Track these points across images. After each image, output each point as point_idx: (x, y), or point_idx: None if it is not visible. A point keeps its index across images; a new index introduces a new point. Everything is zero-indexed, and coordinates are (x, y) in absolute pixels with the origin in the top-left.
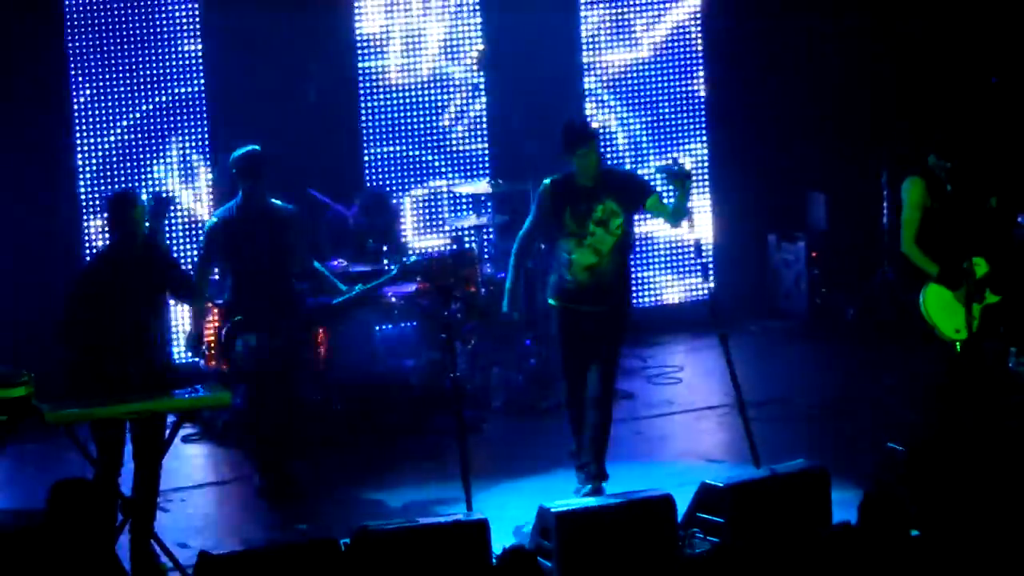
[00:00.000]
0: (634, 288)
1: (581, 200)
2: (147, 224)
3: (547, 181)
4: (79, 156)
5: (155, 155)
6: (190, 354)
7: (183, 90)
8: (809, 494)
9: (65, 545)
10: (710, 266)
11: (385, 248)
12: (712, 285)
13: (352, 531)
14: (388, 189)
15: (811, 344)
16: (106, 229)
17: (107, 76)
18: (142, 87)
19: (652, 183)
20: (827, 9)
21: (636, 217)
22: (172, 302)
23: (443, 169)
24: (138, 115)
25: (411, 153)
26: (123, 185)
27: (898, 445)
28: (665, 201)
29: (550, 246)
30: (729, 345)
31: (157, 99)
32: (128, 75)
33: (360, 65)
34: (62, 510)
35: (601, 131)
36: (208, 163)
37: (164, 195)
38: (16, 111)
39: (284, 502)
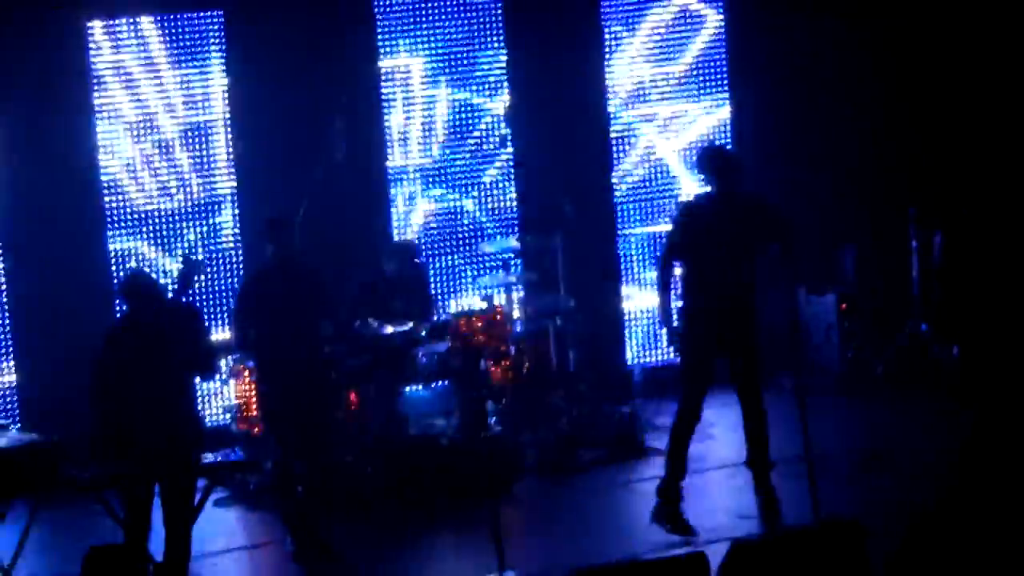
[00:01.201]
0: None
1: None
2: (175, 287)
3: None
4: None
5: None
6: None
7: (210, 151)
8: (843, 550)
9: None
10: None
11: (415, 307)
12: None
13: None
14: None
15: (844, 398)
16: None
17: None
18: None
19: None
20: (856, 64)
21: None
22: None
23: (473, 228)
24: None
25: (440, 209)
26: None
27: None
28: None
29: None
30: (764, 400)
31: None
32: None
33: (387, 126)
34: None
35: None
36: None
37: (194, 257)
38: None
39: (317, 566)
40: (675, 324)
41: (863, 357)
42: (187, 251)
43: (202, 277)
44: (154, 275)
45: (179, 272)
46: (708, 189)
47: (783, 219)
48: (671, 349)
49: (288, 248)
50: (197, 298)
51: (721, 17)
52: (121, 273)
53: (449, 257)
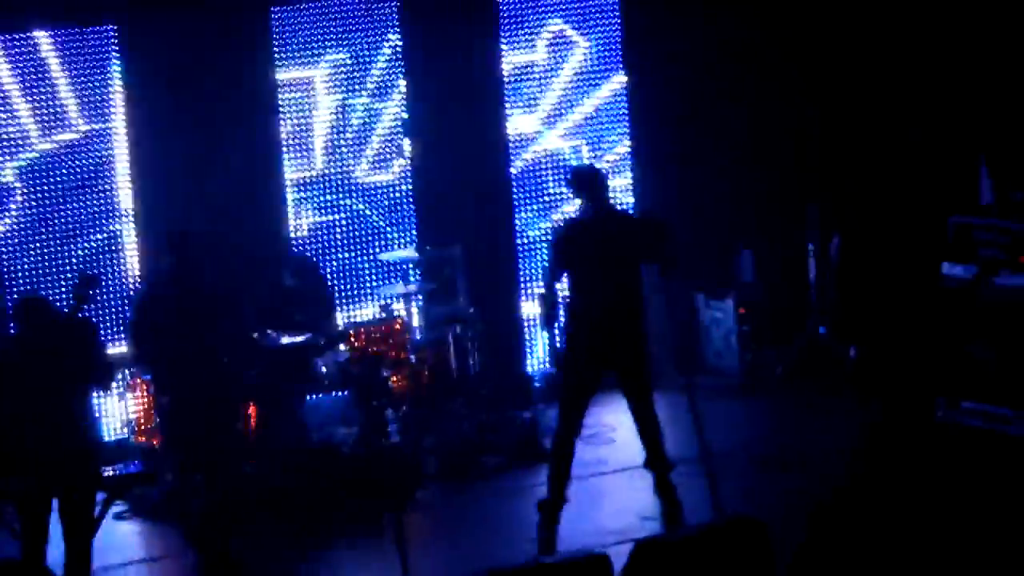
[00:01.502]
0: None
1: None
2: (72, 302)
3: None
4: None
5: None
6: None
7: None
8: (746, 547)
9: None
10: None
11: (315, 318)
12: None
13: None
14: (315, 257)
15: (744, 400)
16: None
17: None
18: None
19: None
20: (753, 63)
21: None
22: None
23: (369, 236)
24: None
25: (337, 220)
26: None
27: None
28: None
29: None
30: (662, 404)
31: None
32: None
33: (283, 138)
34: None
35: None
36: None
37: (90, 274)
38: None
39: None
40: (557, 344)
41: (763, 359)
42: (82, 267)
43: (98, 292)
44: (46, 297)
45: (75, 287)
46: (581, 208)
47: (662, 230)
48: (552, 367)
49: (187, 260)
50: (93, 312)
51: (618, 18)
52: (13, 294)
53: (348, 266)
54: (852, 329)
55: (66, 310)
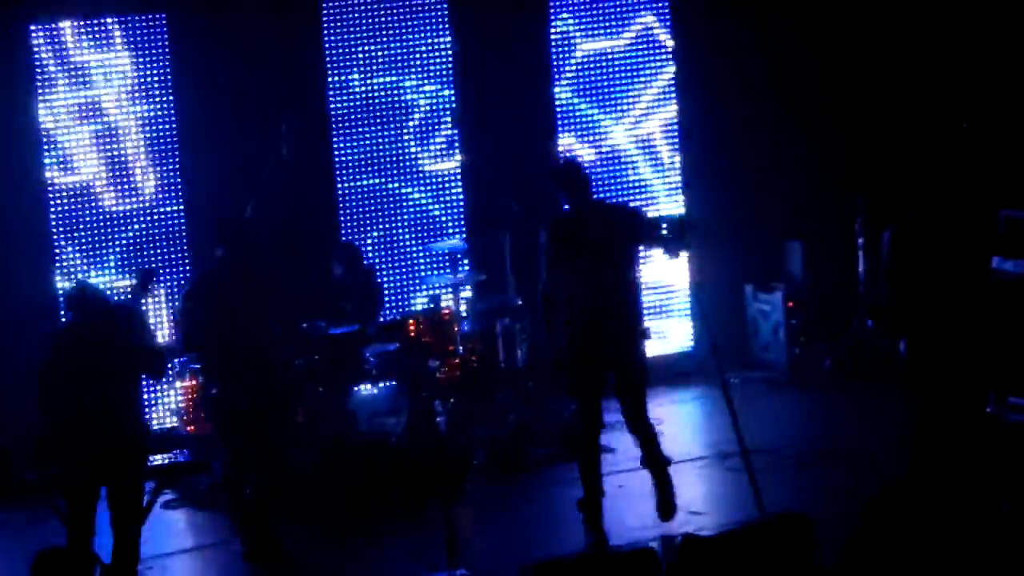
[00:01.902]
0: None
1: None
2: (131, 296)
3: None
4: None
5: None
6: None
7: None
8: (793, 543)
9: None
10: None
11: (364, 308)
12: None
13: None
14: (364, 248)
15: (791, 394)
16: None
17: None
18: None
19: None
20: (804, 56)
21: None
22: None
23: (420, 227)
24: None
25: (387, 208)
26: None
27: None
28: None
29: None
30: (711, 396)
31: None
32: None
33: (333, 125)
34: None
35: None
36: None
37: (148, 268)
38: None
39: (267, 567)
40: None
41: (811, 353)
42: (141, 262)
43: (156, 285)
44: (99, 285)
45: (135, 282)
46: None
47: (639, 219)
48: (555, 371)
49: (237, 248)
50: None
51: (668, 22)
52: (66, 279)
53: (398, 256)
54: (902, 323)
55: (119, 299)
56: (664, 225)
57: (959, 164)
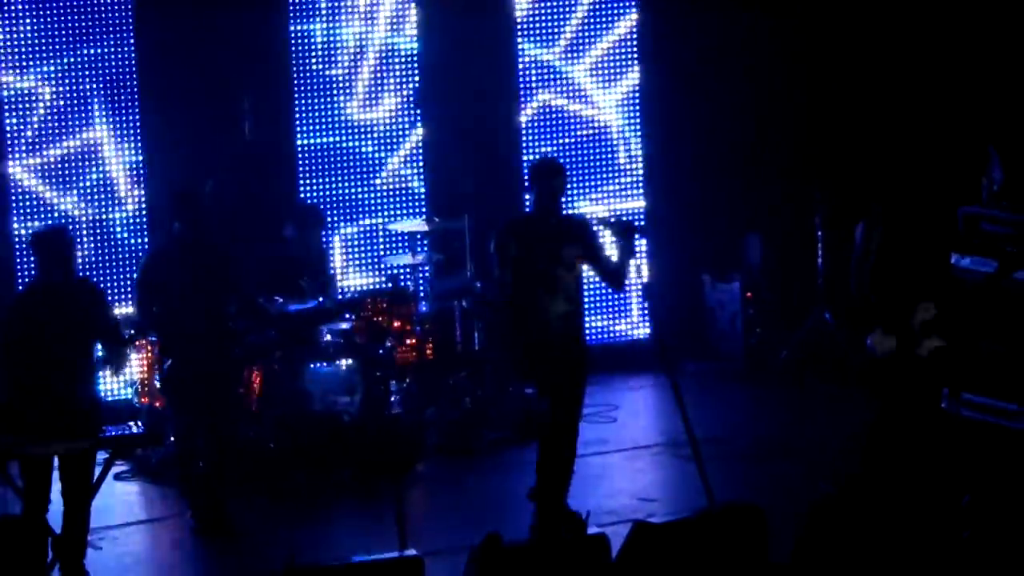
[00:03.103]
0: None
1: (546, 240)
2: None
3: (505, 222)
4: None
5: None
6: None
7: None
8: (745, 534)
9: None
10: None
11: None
12: (649, 330)
13: (284, 570)
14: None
15: (747, 385)
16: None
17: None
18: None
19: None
20: (763, 49)
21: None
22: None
23: (378, 206)
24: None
25: (347, 190)
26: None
27: (830, 487)
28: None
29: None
30: (666, 386)
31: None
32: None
33: (296, 102)
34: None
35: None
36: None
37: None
38: None
39: (217, 540)
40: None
41: (767, 344)
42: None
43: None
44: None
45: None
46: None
47: (592, 240)
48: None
49: (194, 223)
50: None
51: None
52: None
53: (355, 234)
54: (873, 317)
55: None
56: (611, 228)
57: (918, 160)
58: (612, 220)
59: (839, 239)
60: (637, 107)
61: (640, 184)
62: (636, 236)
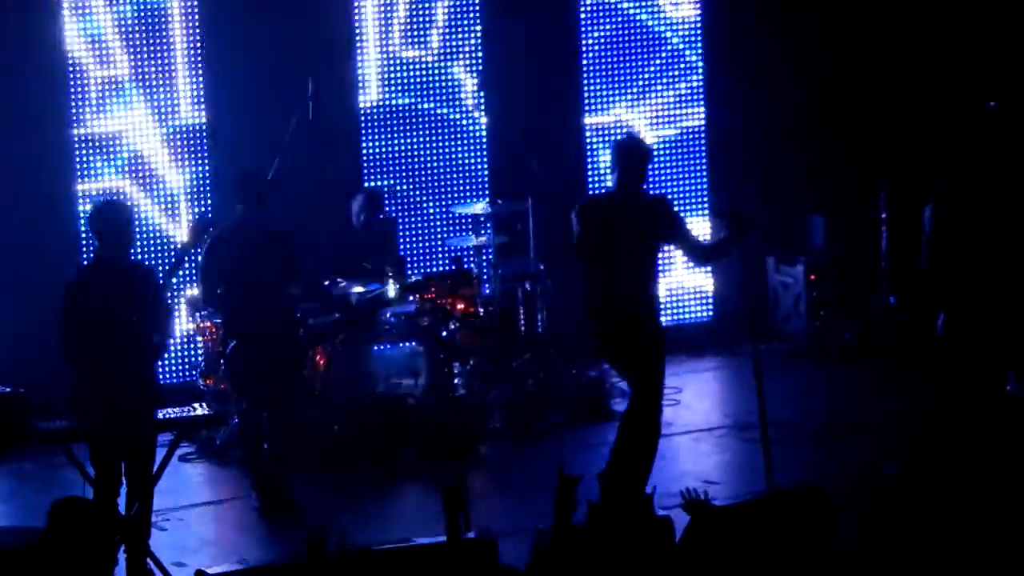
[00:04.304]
0: None
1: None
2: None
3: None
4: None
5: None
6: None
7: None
8: (808, 516)
9: (65, 565)
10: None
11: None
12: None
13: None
14: (390, 208)
15: (810, 367)
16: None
17: None
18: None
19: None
20: (826, 33)
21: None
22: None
23: (443, 188)
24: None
25: (412, 170)
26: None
27: (893, 469)
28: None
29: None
30: (729, 367)
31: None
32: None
33: (360, 84)
34: (62, 529)
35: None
36: (209, 183)
37: (204, 216)
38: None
39: (281, 522)
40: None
41: (831, 326)
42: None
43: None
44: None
45: (190, 229)
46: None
47: (676, 219)
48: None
49: (258, 205)
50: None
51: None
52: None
53: (420, 218)
54: (942, 298)
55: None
56: (726, 219)
57: (982, 141)
58: (727, 211)
59: (903, 221)
60: (701, 92)
61: (704, 166)
62: (748, 230)
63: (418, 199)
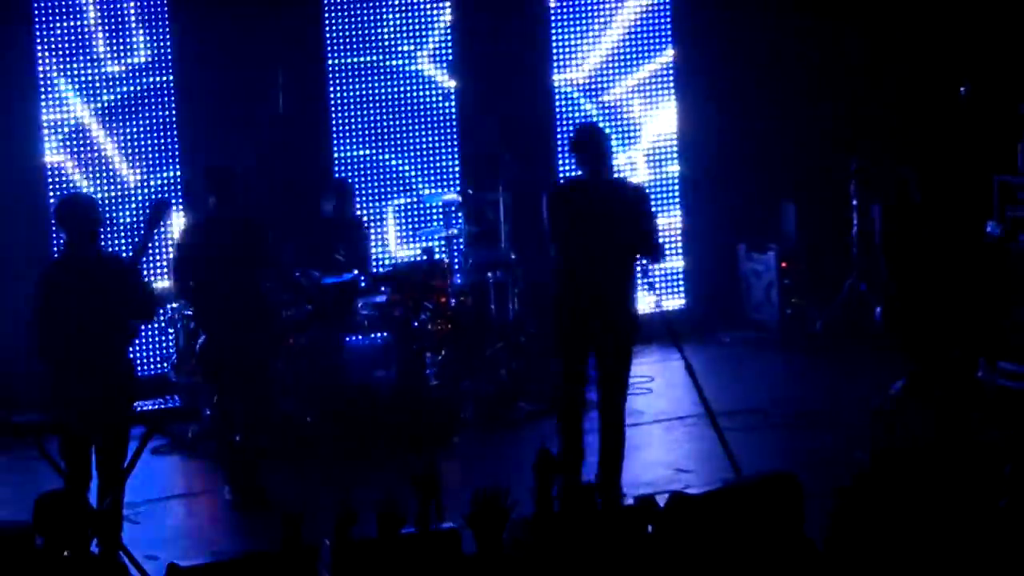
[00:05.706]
0: None
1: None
2: (143, 227)
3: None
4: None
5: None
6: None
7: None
8: (781, 503)
9: (54, 558)
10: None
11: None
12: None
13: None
14: (359, 201)
15: (782, 355)
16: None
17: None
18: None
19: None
20: (797, 20)
21: None
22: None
23: (414, 178)
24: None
25: (382, 161)
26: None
27: (865, 456)
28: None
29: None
30: (702, 356)
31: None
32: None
33: (330, 76)
34: (48, 523)
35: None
36: (179, 177)
37: (161, 200)
38: None
39: (253, 514)
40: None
41: (802, 314)
42: (157, 195)
43: (168, 219)
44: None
45: (148, 213)
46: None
47: (649, 211)
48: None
49: (229, 198)
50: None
51: None
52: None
53: (389, 207)
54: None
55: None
56: None
57: (956, 130)
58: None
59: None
60: (671, 77)
61: (675, 155)
62: None
63: (389, 189)
